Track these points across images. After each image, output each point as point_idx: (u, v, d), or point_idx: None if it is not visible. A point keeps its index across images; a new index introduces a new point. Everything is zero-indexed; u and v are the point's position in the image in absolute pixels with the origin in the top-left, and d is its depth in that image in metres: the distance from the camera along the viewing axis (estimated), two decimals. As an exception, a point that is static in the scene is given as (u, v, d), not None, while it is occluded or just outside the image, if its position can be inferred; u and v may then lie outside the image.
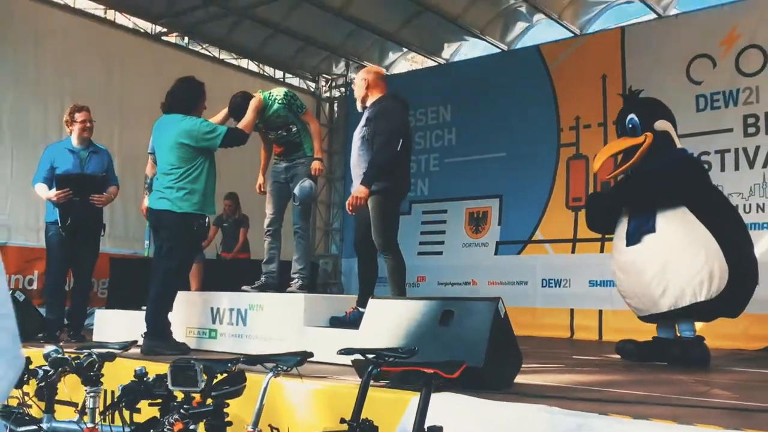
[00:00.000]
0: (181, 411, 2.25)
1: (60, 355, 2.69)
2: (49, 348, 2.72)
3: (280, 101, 5.43)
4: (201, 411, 2.31)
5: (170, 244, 4.99)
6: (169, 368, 2.26)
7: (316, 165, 5.40)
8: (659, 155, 5.23)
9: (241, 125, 5.21)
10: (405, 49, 11.75)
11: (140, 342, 4.73)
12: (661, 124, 5.36)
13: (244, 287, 5.44)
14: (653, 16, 9.41)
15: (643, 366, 5.00)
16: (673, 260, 4.95)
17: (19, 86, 8.48)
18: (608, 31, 9.74)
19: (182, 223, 4.94)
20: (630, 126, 5.41)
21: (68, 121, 6.02)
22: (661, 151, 5.25)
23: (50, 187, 5.83)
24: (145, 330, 4.91)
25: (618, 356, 5.44)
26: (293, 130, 5.48)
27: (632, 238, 5.17)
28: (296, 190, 5.34)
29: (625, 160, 5.42)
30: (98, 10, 9.67)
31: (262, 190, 5.74)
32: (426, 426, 2.16)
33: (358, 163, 4.83)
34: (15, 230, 8.36)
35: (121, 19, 9.97)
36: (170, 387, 2.33)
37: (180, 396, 2.47)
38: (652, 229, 5.08)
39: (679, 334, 5.21)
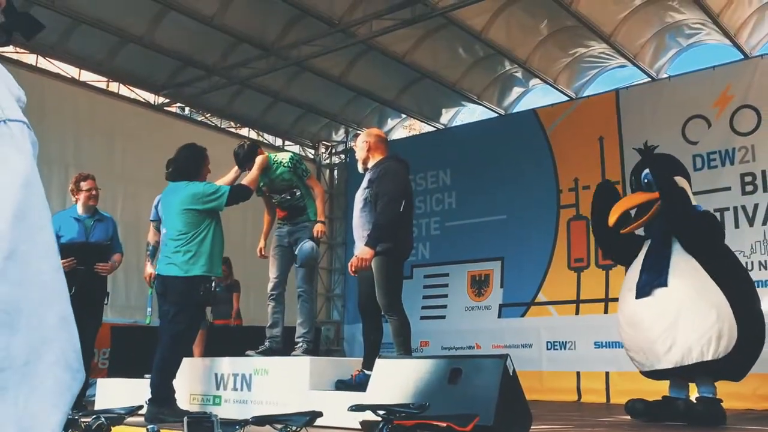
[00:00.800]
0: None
1: (70, 417, 2.65)
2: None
3: (285, 164, 5.51)
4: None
5: (177, 308, 4.95)
6: (185, 422, 2.23)
7: (318, 227, 5.44)
8: (674, 211, 5.24)
9: (245, 181, 5.26)
10: (404, 115, 11.98)
11: (144, 408, 4.64)
12: (678, 181, 5.40)
13: (248, 352, 5.38)
14: (646, 79, 9.64)
15: (654, 426, 4.91)
16: (683, 317, 4.88)
17: (25, 157, 8.59)
18: (603, 94, 9.96)
19: (189, 287, 4.93)
20: (645, 181, 5.44)
21: (73, 190, 6.05)
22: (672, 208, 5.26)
23: None
24: (150, 396, 4.83)
25: (628, 417, 5.35)
26: (297, 194, 5.54)
27: (642, 291, 5.10)
28: (297, 252, 5.37)
29: (639, 215, 5.42)
30: (102, 82, 9.90)
31: (263, 254, 5.75)
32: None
33: (360, 225, 4.86)
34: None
35: (125, 90, 10.19)
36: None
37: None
38: (664, 284, 5.02)
39: (698, 394, 5.11)
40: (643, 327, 5.09)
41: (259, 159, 5.43)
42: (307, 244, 5.35)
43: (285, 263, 5.54)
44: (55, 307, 0.52)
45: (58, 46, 9.05)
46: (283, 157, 5.60)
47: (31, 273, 0.50)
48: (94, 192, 6.03)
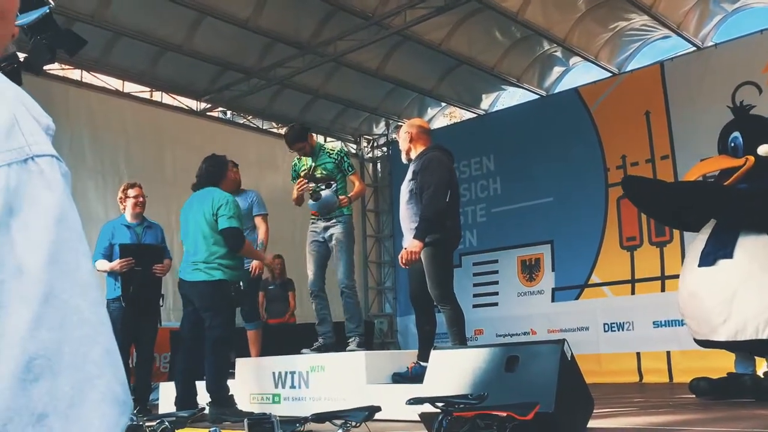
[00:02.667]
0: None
1: (134, 423, 2.71)
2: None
3: (331, 155, 5.56)
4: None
5: (210, 313, 5.01)
6: (246, 423, 2.26)
7: (342, 198, 5.50)
8: (758, 182, 4.92)
9: (246, 244, 5.24)
10: (443, 104, 11.90)
11: (206, 411, 4.73)
12: (765, 149, 4.99)
13: (303, 350, 5.43)
14: (691, 48, 9.36)
15: (720, 404, 4.78)
16: (744, 291, 4.70)
17: (78, 171, 8.79)
18: (647, 67, 9.71)
19: (219, 292, 5.01)
20: (732, 145, 5.13)
21: (122, 198, 6.17)
22: (760, 178, 4.94)
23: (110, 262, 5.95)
24: (210, 400, 4.92)
25: (692, 396, 5.22)
26: (333, 187, 5.54)
27: (706, 259, 4.91)
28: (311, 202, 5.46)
29: (722, 180, 5.13)
30: (145, 92, 10.09)
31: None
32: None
33: (407, 217, 4.85)
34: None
35: (167, 98, 10.37)
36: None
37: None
38: (730, 255, 4.81)
39: (765, 369, 4.96)
40: (701, 296, 4.94)
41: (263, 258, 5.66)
42: (327, 192, 5.37)
43: (321, 259, 5.57)
44: (97, 342, 0.52)
45: (101, 59, 9.25)
46: (332, 148, 5.73)
47: (70, 313, 0.50)
48: (141, 199, 6.13)
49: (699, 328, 5.03)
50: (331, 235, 5.50)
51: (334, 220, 5.53)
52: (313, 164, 5.63)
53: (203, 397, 4.97)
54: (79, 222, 0.56)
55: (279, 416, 4.60)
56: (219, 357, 5.04)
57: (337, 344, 5.51)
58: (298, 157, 5.83)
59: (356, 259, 6.82)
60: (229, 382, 5.72)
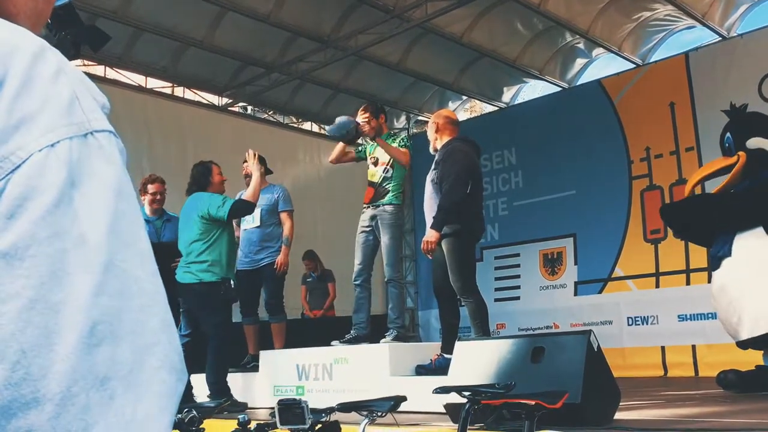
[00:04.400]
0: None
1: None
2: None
3: (395, 141, 5.70)
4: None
5: (205, 313, 5.36)
6: (276, 407, 2.26)
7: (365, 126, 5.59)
8: (755, 175, 4.98)
9: (246, 195, 5.55)
10: (464, 97, 11.84)
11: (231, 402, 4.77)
12: (756, 142, 5.09)
13: (333, 342, 5.44)
14: (716, 38, 9.23)
15: (749, 396, 4.72)
16: (748, 287, 4.73)
17: (101, 166, 8.89)
18: (672, 58, 9.58)
19: (211, 292, 5.32)
20: (726, 146, 5.24)
21: (142, 191, 6.10)
22: (756, 171, 4.99)
23: None
24: (209, 393, 5.13)
25: (720, 389, 5.16)
26: (390, 174, 5.56)
27: (714, 263, 5.03)
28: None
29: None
30: (167, 88, 10.15)
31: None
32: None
33: (430, 207, 4.84)
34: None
35: (189, 94, 10.43)
36: (279, 426, 2.33)
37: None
38: (728, 253, 4.89)
39: None
40: (718, 299, 5.03)
41: (257, 171, 5.63)
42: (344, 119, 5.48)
43: (368, 249, 5.55)
44: (156, 312, 0.54)
45: (124, 55, 9.32)
46: (399, 135, 5.94)
47: (130, 282, 0.52)
48: (158, 196, 6.05)
49: (730, 330, 5.03)
50: (377, 225, 5.49)
51: (380, 209, 5.51)
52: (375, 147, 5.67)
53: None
54: (135, 196, 0.58)
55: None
56: (218, 354, 5.37)
57: (372, 335, 5.49)
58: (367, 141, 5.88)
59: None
60: (253, 375, 5.79)
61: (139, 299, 0.52)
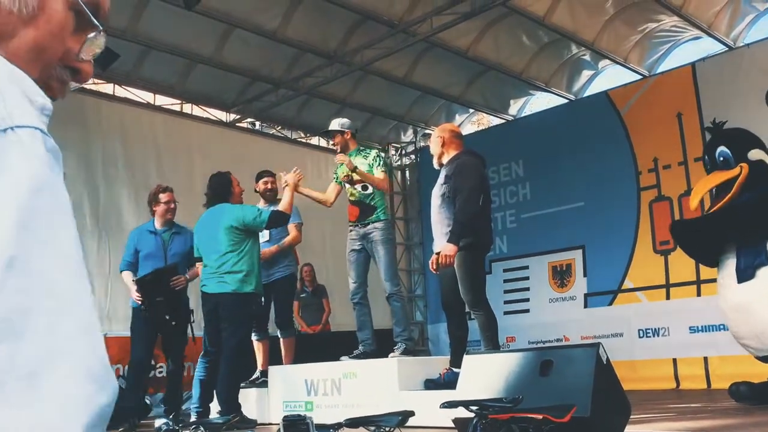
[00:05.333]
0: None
1: (171, 428, 2.74)
2: (160, 422, 2.78)
3: (366, 158, 5.61)
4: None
5: (233, 324, 5.30)
6: (282, 423, 2.26)
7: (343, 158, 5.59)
8: (758, 185, 4.99)
9: (281, 207, 5.59)
10: (471, 110, 11.87)
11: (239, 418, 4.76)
12: (756, 153, 5.15)
13: (342, 358, 5.44)
14: (723, 48, 9.22)
15: (762, 408, 4.67)
16: None
17: (112, 184, 8.94)
18: (678, 68, 9.58)
19: (244, 304, 5.32)
20: (721, 159, 5.20)
21: (152, 202, 6.02)
22: (759, 181, 5.01)
23: (136, 272, 5.84)
24: (220, 409, 5.03)
25: (732, 401, 5.11)
26: (369, 190, 5.56)
27: (744, 274, 4.86)
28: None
29: (720, 195, 5.18)
30: (176, 105, 10.22)
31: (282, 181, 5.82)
32: (541, 476, 2.07)
33: (439, 221, 4.84)
34: (115, 321, 8.65)
35: (197, 111, 10.50)
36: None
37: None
38: (766, 262, 4.76)
39: None
40: (752, 311, 4.83)
41: (289, 185, 5.66)
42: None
43: (360, 267, 5.57)
44: (72, 316, 0.50)
45: (133, 73, 9.40)
46: (368, 151, 5.79)
47: (40, 281, 0.49)
48: (172, 205, 5.98)
49: (760, 344, 4.93)
50: (370, 242, 5.50)
51: (370, 226, 5.52)
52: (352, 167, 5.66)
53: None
54: (64, 197, 0.56)
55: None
56: (234, 368, 5.31)
57: (378, 352, 5.49)
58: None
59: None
60: (263, 390, 5.79)
61: (52, 301, 0.49)
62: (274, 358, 6.21)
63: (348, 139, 5.76)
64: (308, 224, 6.41)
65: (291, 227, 6.26)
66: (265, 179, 6.40)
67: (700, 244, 5.53)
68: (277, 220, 5.55)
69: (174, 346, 5.98)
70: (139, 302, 5.60)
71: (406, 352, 5.25)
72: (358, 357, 5.37)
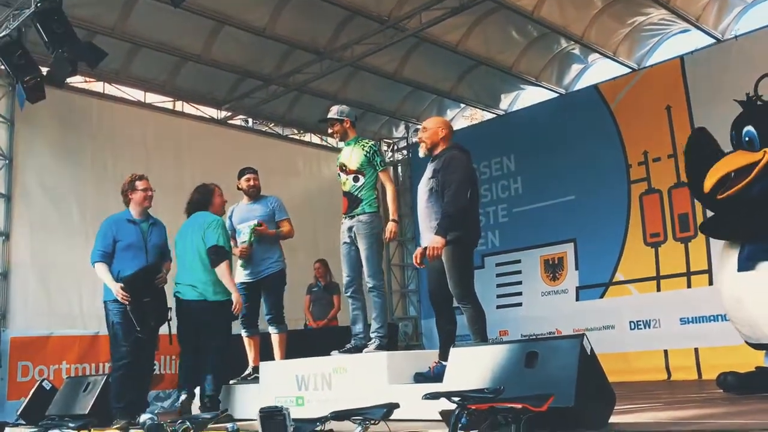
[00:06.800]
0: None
1: (155, 423, 2.76)
2: (145, 416, 2.80)
3: (365, 148, 5.52)
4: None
5: (209, 332, 5.58)
6: (258, 416, 2.28)
7: (390, 227, 5.35)
8: None
9: (224, 269, 5.61)
10: (462, 105, 11.89)
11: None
12: None
13: (332, 352, 5.44)
14: (711, 41, 9.26)
15: (749, 398, 4.71)
16: None
17: (99, 183, 8.91)
18: (667, 62, 9.61)
19: (220, 309, 5.57)
20: (747, 139, 5.02)
21: (128, 191, 5.73)
22: None
23: (110, 263, 5.52)
24: (203, 405, 5.35)
25: (720, 391, 5.15)
26: (360, 181, 5.49)
27: (746, 264, 4.84)
28: None
29: (739, 177, 4.98)
30: (166, 102, 10.21)
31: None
32: (520, 464, 2.10)
33: (426, 215, 4.84)
34: (104, 320, 8.63)
35: (188, 108, 10.49)
36: (260, 433, 2.35)
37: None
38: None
39: None
40: (746, 302, 4.86)
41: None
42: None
43: (352, 260, 5.51)
44: None
45: (122, 71, 9.39)
46: (367, 142, 5.64)
47: None
48: (149, 193, 5.77)
49: (754, 333, 4.96)
50: (355, 235, 5.47)
51: (355, 219, 5.47)
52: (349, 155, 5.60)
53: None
54: None
55: (301, 417, 4.63)
56: (217, 370, 5.60)
57: (310, 350, 5.60)
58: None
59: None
60: (254, 386, 5.80)
61: None
62: (265, 354, 6.20)
63: (347, 127, 5.66)
64: (300, 221, 6.38)
65: (283, 223, 6.26)
66: (248, 176, 6.35)
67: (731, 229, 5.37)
68: (217, 257, 5.62)
69: (148, 346, 5.67)
70: (126, 302, 5.35)
71: (379, 349, 5.21)
72: (348, 351, 5.36)
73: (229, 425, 2.59)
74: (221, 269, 5.59)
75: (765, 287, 4.73)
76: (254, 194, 6.31)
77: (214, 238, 5.61)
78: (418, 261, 4.75)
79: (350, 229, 5.48)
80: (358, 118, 6.02)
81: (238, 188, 6.33)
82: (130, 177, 5.84)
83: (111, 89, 9.63)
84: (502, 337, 10.25)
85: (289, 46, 9.51)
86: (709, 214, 6.08)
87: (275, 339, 6.16)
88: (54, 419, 5.22)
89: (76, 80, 8.80)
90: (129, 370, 5.45)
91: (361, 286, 5.53)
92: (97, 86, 9.54)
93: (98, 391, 5.54)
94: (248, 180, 6.30)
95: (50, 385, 6.64)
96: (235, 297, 5.64)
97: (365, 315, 5.54)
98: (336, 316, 9.02)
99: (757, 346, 5.05)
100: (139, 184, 5.74)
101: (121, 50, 8.93)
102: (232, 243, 6.16)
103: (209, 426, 3.03)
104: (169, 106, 10.27)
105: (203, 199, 5.92)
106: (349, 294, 5.54)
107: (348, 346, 5.45)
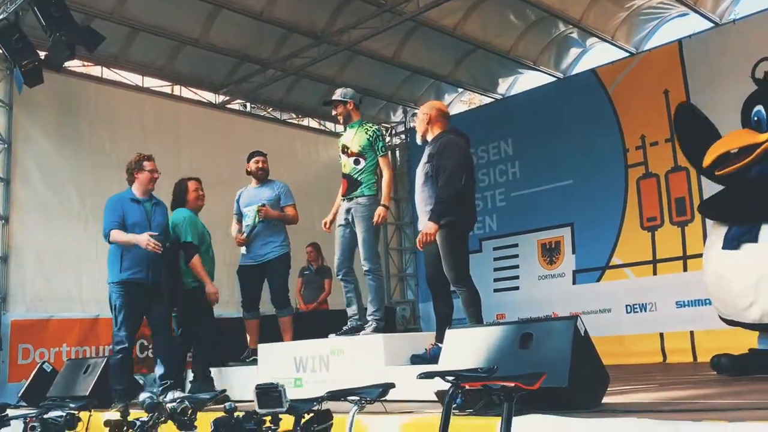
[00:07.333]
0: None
1: (155, 401, 2.80)
2: (144, 395, 2.85)
3: (368, 132, 5.54)
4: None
5: (192, 315, 5.99)
6: (255, 392, 2.32)
7: (380, 211, 5.40)
8: None
9: (195, 264, 5.93)
10: (461, 90, 11.88)
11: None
12: None
13: (330, 335, 5.48)
14: (710, 25, 9.24)
15: (742, 379, 4.78)
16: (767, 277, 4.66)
17: (98, 167, 8.92)
18: (665, 45, 9.60)
19: (193, 296, 5.93)
20: (755, 119, 5.00)
21: (134, 170, 5.73)
22: None
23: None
24: (196, 383, 5.73)
25: (714, 373, 5.21)
26: (361, 164, 5.51)
27: (731, 243, 4.88)
28: None
29: (741, 155, 4.95)
30: (165, 86, 10.20)
31: (328, 227, 5.79)
32: (512, 440, 2.14)
33: (423, 200, 4.87)
34: (104, 303, 8.65)
35: (187, 92, 10.48)
36: (257, 410, 2.39)
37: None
38: (755, 239, 4.77)
39: None
40: (727, 278, 4.91)
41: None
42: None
43: (345, 242, 5.55)
44: None
45: (120, 56, 9.38)
46: (371, 126, 5.66)
47: None
48: (156, 175, 5.81)
49: (726, 310, 5.03)
50: (352, 217, 5.49)
51: (354, 201, 5.49)
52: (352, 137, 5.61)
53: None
54: None
55: (298, 398, 4.69)
56: (205, 351, 5.98)
57: (308, 332, 5.65)
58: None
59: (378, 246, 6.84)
60: (253, 368, 5.86)
61: None
62: (270, 336, 6.22)
63: (351, 109, 5.67)
64: (298, 205, 6.41)
65: (288, 209, 6.30)
66: (257, 158, 6.39)
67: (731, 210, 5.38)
68: (186, 255, 5.97)
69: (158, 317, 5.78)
70: (158, 250, 5.41)
71: (376, 332, 5.25)
72: (345, 333, 5.40)
73: (226, 404, 2.62)
74: (192, 263, 5.91)
75: (746, 267, 4.77)
76: (262, 177, 6.36)
77: (184, 236, 5.91)
78: (421, 246, 4.78)
79: (348, 211, 5.51)
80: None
81: (248, 172, 6.39)
82: (137, 156, 5.84)
83: (109, 73, 9.62)
84: (500, 321, 10.32)
85: (287, 30, 9.49)
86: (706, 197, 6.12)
87: (283, 321, 6.20)
88: (55, 400, 5.26)
89: (74, 64, 8.78)
90: (129, 354, 5.56)
91: (352, 269, 5.56)
92: (95, 70, 9.53)
93: (98, 373, 5.65)
94: (257, 162, 6.37)
95: (51, 367, 6.72)
96: (208, 288, 5.92)
97: (359, 296, 5.57)
98: (326, 299, 9.09)
99: (730, 322, 5.10)
100: (147, 165, 5.77)
101: (120, 34, 8.92)
102: (236, 227, 6.29)
103: (207, 406, 3.08)
104: (167, 90, 10.26)
105: (178, 198, 6.17)
106: (341, 276, 5.57)
107: (345, 328, 5.49)
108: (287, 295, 6.29)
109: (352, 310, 5.52)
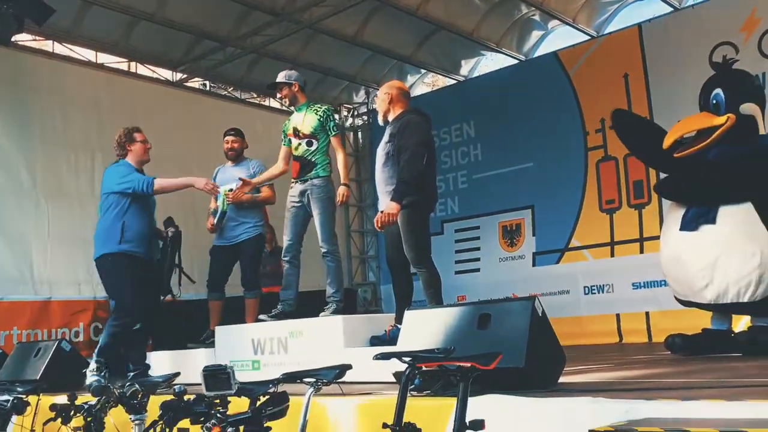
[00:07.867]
0: (218, 416, 2.25)
1: (102, 385, 2.72)
2: (92, 379, 2.76)
3: (318, 113, 5.49)
4: (238, 416, 2.31)
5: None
6: (202, 374, 2.26)
7: (342, 190, 5.40)
8: (738, 141, 4.87)
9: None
10: (423, 71, 11.82)
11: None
12: (748, 107, 4.94)
13: (261, 316, 5.44)
14: (669, 9, 9.33)
15: (695, 358, 4.87)
16: (726, 257, 4.73)
17: (49, 146, 8.66)
18: (626, 29, 9.67)
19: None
20: (714, 102, 5.02)
21: (126, 143, 5.46)
22: (740, 137, 4.88)
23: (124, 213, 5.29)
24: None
25: (668, 352, 5.30)
26: (313, 146, 5.48)
27: (689, 225, 4.92)
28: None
29: (700, 138, 4.98)
30: (121, 63, 9.93)
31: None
32: (467, 421, 2.12)
33: (383, 180, 4.83)
34: (56, 285, 8.49)
35: (143, 69, 10.21)
36: (205, 393, 2.33)
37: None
38: (712, 221, 4.81)
39: (750, 324, 5.06)
40: (684, 260, 4.96)
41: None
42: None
43: (298, 224, 5.53)
44: None
45: (73, 30, 9.08)
46: (320, 106, 5.62)
47: None
48: (148, 145, 5.56)
49: (681, 290, 5.10)
50: (308, 199, 5.46)
51: (308, 183, 5.46)
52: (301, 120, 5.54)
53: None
54: None
55: (254, 380, 4.63)
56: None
57: (298, 311, 5.48)
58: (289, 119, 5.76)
59: (339, 229, 6.79)
60: (210, 351, 5.77)
61: None
62: (236, 316, 6.11)
63: (296, 92, 5.62)
64: (279, 186, 6.27)
65: (264, 188, 6.17)
66: (226, 138, 6.28)
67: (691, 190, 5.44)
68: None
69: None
70: (218, 191, 5.52)
71: (335, 313, 5.23)
72: (276, 317, 5.37)
73: (175, 387, 2.56)
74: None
75: (703, 247, 4.83)
76: (233, 157, 6.24)
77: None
78: (378, 226, 4.74)
79: (303, 193, 5.47)
80: (312, 89, 5.95)
81: (230, 149, 6.27)
82: (124, 129, 5.56)
83: (61, 49, 9.31)
84: (460, 302, 10.36)
85: (247, 6, 9.29)
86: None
87: (250, 303, 6.10)
88: (4, 384, 5.12)
89: (23, 38, 8.49)
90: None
91: (300, 252, 5.53)
92: (47, 45, 9.21)
93: (49, 356, 5.50)
94: (226, 142, 6.28)
95: (0, 350, 6.53)
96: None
97: (297, 282, 5.54)
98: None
99: (685, 303, 5.19)
100: (138, 136, 5.51)
101: (71, 7, 8.62)
102: (214, 205, 6.11)
103: (160, 388, 3.01)
104: (123, 67, 9.99)
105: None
106: (287, 259, 5.53)
107: (275, 311, 5.45)
108: (257, 277, 6.21)
109: (288, 294, 5.50)
